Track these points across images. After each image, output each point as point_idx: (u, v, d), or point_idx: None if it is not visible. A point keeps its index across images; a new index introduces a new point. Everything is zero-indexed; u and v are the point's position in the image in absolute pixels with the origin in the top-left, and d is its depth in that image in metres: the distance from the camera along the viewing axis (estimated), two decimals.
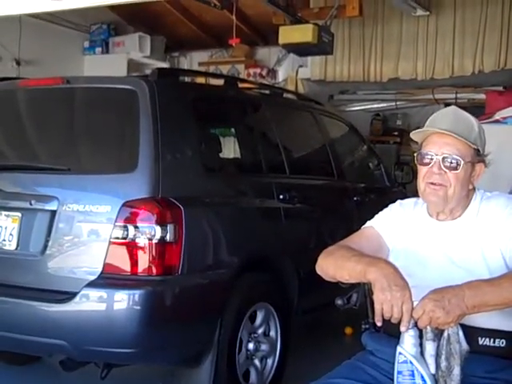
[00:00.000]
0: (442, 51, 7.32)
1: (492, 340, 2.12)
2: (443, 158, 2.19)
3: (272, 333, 3.99)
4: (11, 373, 4.30)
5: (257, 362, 3.87)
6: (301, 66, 8.29)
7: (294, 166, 4.51)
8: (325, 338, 5.10)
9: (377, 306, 1.95)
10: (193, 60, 9.30)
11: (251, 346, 3.82)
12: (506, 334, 2.12)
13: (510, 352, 2.12)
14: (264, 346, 3.91)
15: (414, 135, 2.31)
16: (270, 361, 3.95)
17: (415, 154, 2.29)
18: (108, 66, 7.98)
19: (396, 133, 8.12)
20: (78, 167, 3.63)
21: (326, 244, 2.36)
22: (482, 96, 7.62)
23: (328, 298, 4.20)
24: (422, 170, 2.26)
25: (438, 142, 2.21)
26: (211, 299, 3.55)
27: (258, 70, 8.69)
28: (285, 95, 5.32)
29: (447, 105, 7.86)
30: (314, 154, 5.21)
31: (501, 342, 2.12)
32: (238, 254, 3.72)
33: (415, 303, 1.93)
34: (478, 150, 2.25)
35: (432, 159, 2.21)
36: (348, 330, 5.29)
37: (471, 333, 2.02)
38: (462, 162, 2.19)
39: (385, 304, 1.92)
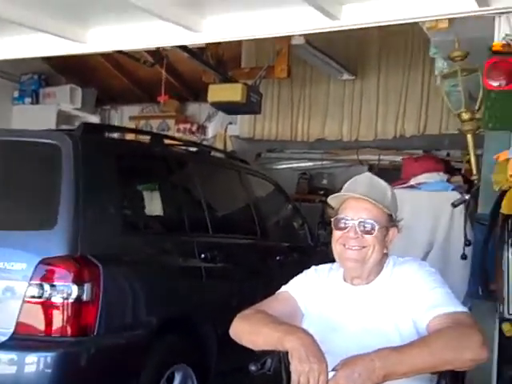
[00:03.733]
0: (367, 115, 7.56)
1: None
2: (359, 223, 2.25)
3: None
4: None
5: None
6: (230, 124, 8.39)
7: (217, 224, 4.51)
8: None
9: (294, 377, 1.95)
10: (124, 114, 9.28)
11: None
12: None
13: None
14: None
15: (332, 200, 2.36)
16: None
17: (332, 219, 2.33)
18: (37, 116, 7.88)
19: (321, 192, 8.25)
20: None
21: (248, 304, 2.36)
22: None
23: (247, 361, 4.24)
24: (337, 234, 2.30)
25: (355, 207, 2.27)
26: (128, 361, 3.48)
27: (188, 126, 8.73)
28: (212, 154, 5.37)
29: (371, 166, 8.12)
30: (238, 212, 5.24)
31: None
32: (157, 315, 3.68)
33: (330, 374, 1.93)
34: (391, 216, 2.31)
35: (348, 224, 2.26)
36: None
37: None
38: (377, 227, 2.25)
39: (302, 375, 1.93)
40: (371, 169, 7.98)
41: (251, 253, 4.90)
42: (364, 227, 2.25)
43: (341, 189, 2.36)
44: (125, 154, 4.04)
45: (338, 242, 2.30)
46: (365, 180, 2.37)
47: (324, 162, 8.65)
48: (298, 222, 6.04)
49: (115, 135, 5.54)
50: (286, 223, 6.03)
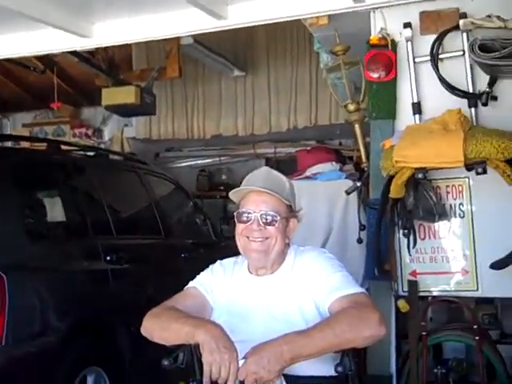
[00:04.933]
0: (260, 109, 7.69)
1: None
2: (261, 215, 2.35)
3: None
4: None
5: None
6: (126, 125, 8.34)
7: (120, 226, 4.55)
8: None
9: (206, 368, 2.03)
10: (16, 121, 9.04)
11: None
12: (323, 378, 2.26)
13: None
14: None
15: (233, 195, 2.44)
16: None
17: (234, 213, 2.42)
18: None
19: (222, 187, 8.33)
20: None
21: (157, 301, 2.40)
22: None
23: (160, 357, 4.28)
24: (240, 227, 2.39)
25: (256, 200, 2.37)
26: (38, 367, 3.46)
27: (83, 130, 8.60)
28: (110, 156, 5.37)
29: (267, 159, 8.29)
30: (140, 213, 5.26)
31: None
32: (66, 319, 3.68)
33: (241, 362, 2.03)
34: (291, 206, 2.43)
35: (250, 217, 2.36)
36: None
37: (290, 381, 2.14)
38: (279, 218, 2.35)
39: (213, 365, 2.01)
40: (268, 161, 8.15)
41: (156, 252, 4.96)
42: (266, 219, 2.35)
43: (241, 183, 2.45)
44: (21, 162, 4.01)
45: (242, 234, 2.39)
46: (263, 174, 2.47)
47: (222, 158, 8.73)
48: (201, 219, 6.11)
49: (9, 144, 5.48)
50: (189, 221, 6.08)
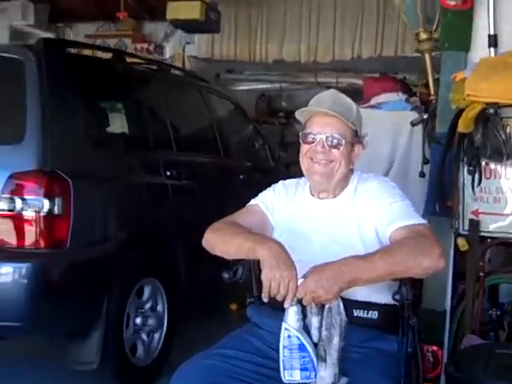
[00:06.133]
0: (324, 36, 7.55)
1: (365, 312, 2.28)
2: (326, 137, 2.33)
3: (159, 307, 4.04)
4: None
5: (144, 336, 3.92)
6: (188, 43, 8.30)
7: (181, 143, 4.56)
8: (211, 314, 5.18)
9: (265, 284, 2.05)
10: (79, 32, 9.04)
11: (138, 320, 3.86)
12: (379, 306, 2.29)
13: (381, 323, 2.29)
14: (151, 321, 3.96)
15: (299, 115, 2.42)
16: (156, 335, 4.01)
17: (300, 134, 2.41)
18: None
19: (281, 114, 8.29)
20: None
21: (213, 220, 2.42)
22: (360, 81, 7.95)
23: (215, 273, 4.37)
24: (305, 148, 2.38)
25: (321, 123, 2.34)
26: (98, 273, 3.56)
27: (145, 45, 8.60)
28: (173, 72, 5.34)
29: (328, 88, 8.18)
30: (201, 131, 5.25)
31: (373, 314, 2.28)
32: (125, 230, 3.75)
33: (300, 280, 2.05)
34: (357, 132, 2.40)
35: (315, 138, 2.34)
36: (233, 306, 5.43)
37: (347, 305, 2.16)
38: (343, 142, 2.33)
39: (273, 282, 2.03)
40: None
41: (215, 171, 4.98)
42: (331, 142, 2.32)
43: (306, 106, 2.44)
44: (88, 71, 4.00)
45: (306, 155, 2.38)
46: (331, 96, 2.43)
47: (283, 84, 8.65)
48: (259, 143, 6.10)
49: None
50: (248, 143, 6.06)
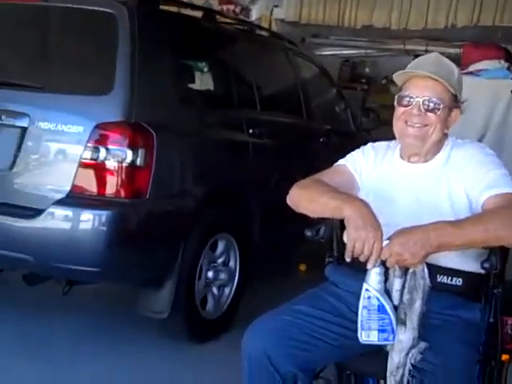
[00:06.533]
0: (417, 2, 7.33)
1: (450, 278, 2.21)
2: (423, 101, 2.24)
3: (231, 263, 4.07)
4: None
5: (214, 289, 3.96)
6: (275, 6, 8.22)
7: (264, 102, 4.52)
8: (281, 273, 5.18)
9: (349, 243, 2.01)
10: None
11: (210, 274, 3.89)
12: (464, 273, 2.21)
13: (465, 290, 2.22)
14: (222, 275, 3.98)
15: (397, 77, 2.34)
16: (227, 290, 4.05)
17: (396, 96, 2.33)
18: None
19: (364, 80, 8.14)
20: (52, 86, 3.55)
21: (292, 180, 2.39)
22: (452, 50, 7.69)
23: (288, 234, 4.36)
24: (400, 110, 2.30)
25: (419, 85, 2.26)
26: (175, 226, 3.60)
27: (231, 7, 8.55)
28: (259, 33, 5.30)
29: (416, 56, 7.95)
30: (285, 92, 5.19)
31: (458, 281, 2.21)
32: (204, 184, 3.77)
33: (385, 242, 2.00)
34: (456, 96, 2.30)
35: (412, 101, 2.26)
36: (302, 267, 5.42)
37: (431, 270, 2.10)
38: (441, 106, 2.24)
39: (357, 242, 1.98)
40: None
41: (297, 132, 4.92)
42: (428, 105, 2.24)
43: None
44: (178, 27, 4.01)
45: (400, 118, 2.31)
46: (432, 59, 2.35)
47: (368, 51, 8.47)
48: (341, 107, 6.01)
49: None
50: (331, 107, 5.98)
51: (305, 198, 2.30)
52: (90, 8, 3.61)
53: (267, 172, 4.33)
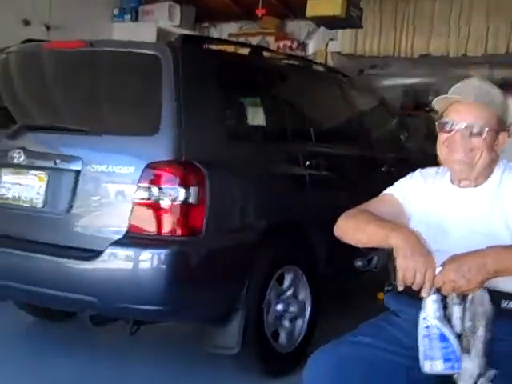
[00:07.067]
0: (476, 28, 7.22)
1: None
2: (466, 127, 2.17)
3: (301, 295, 4.06)
4: (44, 328, 4.51)
5: (286, 322, 3.94)
6: (331, 40, 8.23)
7: (320, 134, 4.50)
8: (357, 302, 5.11)
9: (399, 273, 1.95)
10: (223, 31, 9.27)
11: (279, 307, 3.88)
12: None
13: None
14: (293, 308, 3.97)
15: (437, 103, 2.27)
16: (299, 322, 4.03)
17: (436, 123, 2.26)
18: (137, 33, 7.95)
19: (427, 108, 8.03)
20: (102, 129, 3.62)
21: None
22: None
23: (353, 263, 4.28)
24: (443, 136, 2.23)
25: (461, 111, 2.19)
26: (236, 260, 3.60)
27: (288, 43, 8.64)
28: (312, 67, 5.29)
29: None
30: (340, 124, 5.17)
31: None
32: (263, 218, 3.77)
33: (438, 269, 1.92)
34: (502, 119, 2.22)
35: (454, 127, 2.19)
36: (381, 296, 5.26)
37: (493, 296, 1.99)
38: (486, 130, 2.17)
39: (408, 272, 1.92)
40: None
41: (354, 162, 4.87)
42: (471, 131, 2.17)
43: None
44: (225, 65, 4.05)
45: (444, 144, 2.23)
46: (473, 83, 2.27)
47: (431, 79, 8.34)
48: (404, 135, 5.91)
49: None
50: (391, 136, 5.87)
51: (351, 228, 2.26)
52: (135, 51, 3.70)
53: (326, 203, 4.24)
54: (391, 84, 8.48)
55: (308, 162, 4.17)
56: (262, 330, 3.71)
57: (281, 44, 8.55)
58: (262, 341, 3.72)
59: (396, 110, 6.34)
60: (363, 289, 5.34)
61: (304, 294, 4.06)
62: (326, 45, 8.20)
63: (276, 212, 3.86)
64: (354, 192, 4.45)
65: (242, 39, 8.75)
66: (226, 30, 9.21)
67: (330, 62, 8.04)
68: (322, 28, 7.83)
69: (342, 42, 8.07)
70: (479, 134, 2.16)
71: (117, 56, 3.79)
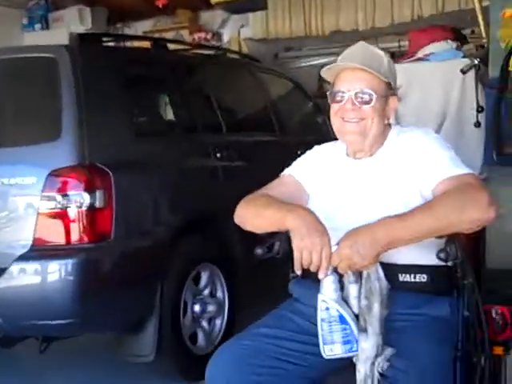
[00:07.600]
0: (382, 0, 7.26)
1: (413, 276, 2.09)
2: (355, 94, 2.15)
3: (219, 293, 3.97)
4: None
5: (204, 323, 3.85)
6: (242, 27, 8.16)
7: (231, 124, 4.46)
8: (273, 295, 5.06)
9: (296, 254, 1.92)
10: (137, 30, 9.08)
11: (197, 307, 3.79)
12: (427, 268, 2.09)
13: (432, 286, 2.10)
14: (211, 307, 3.88)
15: (325, 73, 2.25)
16: (218, 321, 3.94)
17: (328, 94, 2.23)
18: (49, 41, 7.69)
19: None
20: (1, 141, 3.51)
21: None
22: None
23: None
24: (335, 107, 2.21)
25: (349, 78, 2.17)
26: (148, 263, 3.51)
27: (202, 35, 8.52)
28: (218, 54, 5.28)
29: (392, 53, 7.86)
30: (252, 111, 5.13)
31: (422, 277, 2.09)
32: (175, 216, 3.69)
33: (334, 248, 1.90)
34: (390, 84, 2.21)
35: (344, 96, 2.17)
36: None
37: (391, 270, 2.00)
38: (375, 96, 2.15)
39: (304, 251, 1.90)
40: (393, 56, 7.71)
41: (269, 148, 4.81)
42: (361, 98, 2.15)
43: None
44: (126, 61, 3.96)
45: (337, 115, 2.21)
46: (359, 49, 2.25)
47: None
48: (321, 117, 5.89)
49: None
50: (307, 119, 5.87)
51: (250, 214, 2.22)
52: (30, 55, 3.59)
53: (241, 194, 4.18)
54: (307, 65, 8.42)
55: (219, 154, 4.11)
56: (178, 334, 3.61)
57: (196, 36, 8.44)
58: (179, 345, 3.62)
59: (312, 92, 6.29)
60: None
61: (221, 292, 3.98)
62: (238, 32, 8.15)
63: (188, 208, 3.78)
64: (270, 180, 4.45)
65: (156, 35, 8.58)
66: (140, 28, 9.03)
67: (244, 49, 7.98)
68: (236, 16, 7.75)
69: (253, 27, 8.00)
70: (369, 101, 2.15)
71: (12, 63, 3.67)
